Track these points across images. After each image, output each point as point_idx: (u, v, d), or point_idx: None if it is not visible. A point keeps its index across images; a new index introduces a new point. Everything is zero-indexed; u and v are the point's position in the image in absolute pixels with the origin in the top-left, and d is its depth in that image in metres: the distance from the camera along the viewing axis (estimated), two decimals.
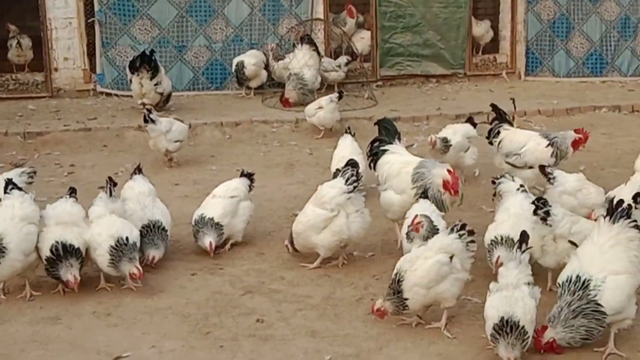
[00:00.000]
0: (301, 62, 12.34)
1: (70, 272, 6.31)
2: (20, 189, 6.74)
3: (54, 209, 6.68)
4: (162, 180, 9.20)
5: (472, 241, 5.88)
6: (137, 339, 5.84)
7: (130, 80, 11.89)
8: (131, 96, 12.41)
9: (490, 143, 8.65)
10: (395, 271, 5.86)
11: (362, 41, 14.03)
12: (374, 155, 7.60)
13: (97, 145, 11.01)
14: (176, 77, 12.86)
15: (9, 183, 6.74)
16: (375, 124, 8.04)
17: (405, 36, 13.73)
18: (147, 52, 11.80)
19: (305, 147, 10.99)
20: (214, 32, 13.22)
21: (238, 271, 7.03)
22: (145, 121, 9.76)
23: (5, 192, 6.70)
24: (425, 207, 6.64)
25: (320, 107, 11.10)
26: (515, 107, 9.88)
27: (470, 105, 12.31)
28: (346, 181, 6.88)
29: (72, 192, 6.89)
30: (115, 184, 6.99)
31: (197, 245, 7.38)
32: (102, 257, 6.46)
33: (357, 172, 6.94)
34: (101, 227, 6.57)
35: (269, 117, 11.87)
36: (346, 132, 9.11)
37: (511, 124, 8.75)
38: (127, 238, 6.46)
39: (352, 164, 7.11)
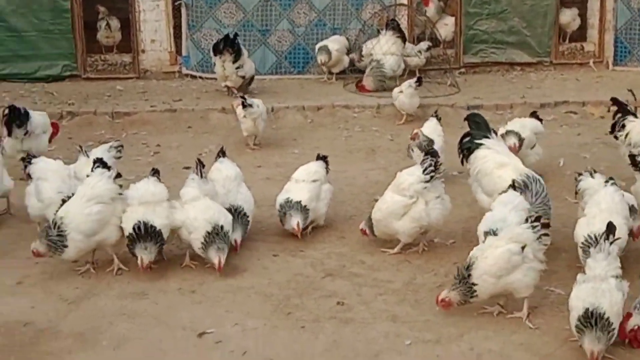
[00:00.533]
0: (384, 48, 12.31)
1: (143, 254, 6.44)
2: (107, 166, 6.84)
3: (137, 190, 6.81)
4: (244, 163, 9.30)
5: (546, 234, 5.81)
6: (220, 316, 5.96)
7: (214, 63, 12.06)
8: (215, 79, 12.58)
9: (615, 137, 8.42)
10: (467, 260, 5.86)
11: (445, 27, 13.90)
12: (467, 149, 7.39)
13: (182, 126, 11.22)
14: (259, 61, 12.97)
15: (96, 161, 6.89)
16: (464, 119, 7.90)
17: (490, 23, 13.53)
18: (231, 36, 11.95)
19: (386, 133, 10.98)
20: (297, 16, 13.29)
21: (319, 254, 7.09)
22: (244, 106, 9.89)
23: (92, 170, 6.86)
24: (511, 199, 6.52)
25: (401, 92, 11.10)
26: (635, 98, 9.69)
27: (555, 94, 12.11)
28: (424, 170, 6.86)
29: (155, 172, 6.99)
30: (203, 165, 7.10)
31: (279, 228, 7.48)
32: (196, 241, 6.59)
33: (436, 162, 6.90)
34: (197, 210, 6.67)
35: (350, 102, 11.89)
36: (433, 115, 9.10)
37: (635, 115, 8.54)
38: (222, 227, 6.57)
39: (432, 152, 7.07)
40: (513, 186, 6.62)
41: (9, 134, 8.98)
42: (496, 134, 7.43)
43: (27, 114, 9.04)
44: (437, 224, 7.03)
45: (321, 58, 12.47)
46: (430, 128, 8.84)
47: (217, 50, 11.87)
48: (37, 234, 6.83)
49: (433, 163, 6.87)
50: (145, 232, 6.43)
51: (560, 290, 6.18)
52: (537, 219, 5.83)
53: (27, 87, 12.65)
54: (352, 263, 6.90)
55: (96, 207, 6.55)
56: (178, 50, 13.46)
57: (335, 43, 12.83)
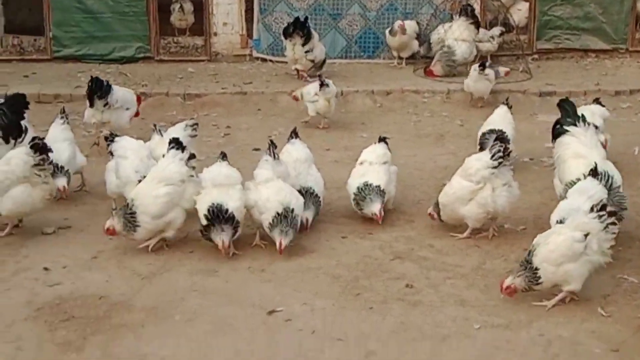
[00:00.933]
0: (456, 34, 12.20)
1: (219, 237, 6.50)
2: (182, 147, 6.86)
3: (210, 172, 6.85)
4: (313, 145, 9.30)
5: (614, 223, 5.69)
6: (289, 295, 6.02)
7: (285, 46, 12.12)
8: (285, 62, 12.67)
9: None
10: (531, 246, 5.81)
11: (519, 13, 13.73)
12: (556, 135, 7.27)
13: (252, 108, 11.34)
14: (329, 45, 13.04)
15: (172, 142, 6.94)
16: (557, 104, 7.74)
17: (565, 8, 13.32)
18: (302, 19, 11.99)
19: (456, 118, 10.91)
20: (368, 0, 13.26)
21: (388, 237, 7.10)
22: (322, 85, 10.03)
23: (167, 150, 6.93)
24: (588, 188, 6.40)
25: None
26: None
27: (631, 82, 11.89)
28: (492, 156, 6.79)
29: (224, 156, 6.99)
30: (275, 146, 7.15)
31: (347, 210, 7.53)
32: (265, 221, 6.66)
33: (505, 148, 6.82)
34: (270, 192, 6.73)
35: (420, 87, 11.85)
36: (504, 103, 8.96)
37: None
38: (292, 210, 6.61)
39: (500, 138, 6.98)
40: (593, 173, 6.47)
41: (91, 105, 9.27)
42: (585, 122, 7.21)
43: (109, 87, 9.35)
44: (503, 211, 6.96)
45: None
46: (500, 116, 8.73)
47: (288, 33, 11.96)
48: (111, 210, 6.99)
49: (502, 149, 6.80)
50: (219, 215, 6.48)
51: (633, 279, 6.09)
52: (603, 207, 5.71)
53: (102, 68, 12.93)
54: (420, 246, 6.89)
55: (164, 190, 6.64)
56: (249, 34, 13.58)
57: (408, 27, 12.75)
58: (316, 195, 7.15)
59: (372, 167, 7.43)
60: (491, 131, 8.33)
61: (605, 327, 5.53)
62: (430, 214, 7.14)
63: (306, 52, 12.00)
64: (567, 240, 5.65)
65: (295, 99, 10.48)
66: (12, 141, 8.16)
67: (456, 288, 6.09)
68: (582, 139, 7.09)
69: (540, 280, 5.69)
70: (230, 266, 6.50)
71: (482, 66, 10.94)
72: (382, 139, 7.69)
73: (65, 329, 5.56)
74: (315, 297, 5.98)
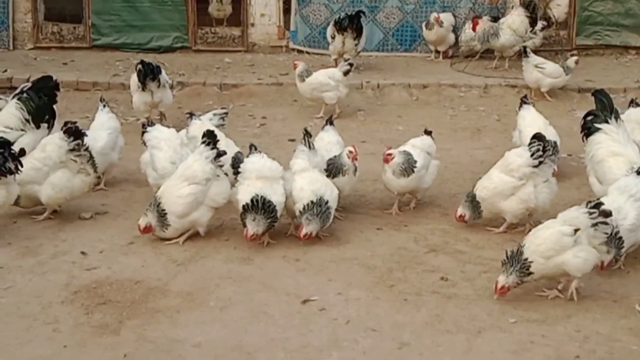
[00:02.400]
0: (509, 20, 12.10)
1: (252, 226, 6.48)
2: (213, 142, 6.74)
3: (254, 164, 6.78)
4: (349, 137, 9.30)
5: (605, 223, 5.61)
6: (323, 285, 6.02)
7: (333, 37, 12.05)
8: (321, 54, 12.70)
9: None
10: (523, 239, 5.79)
11: (558, 8, 13.57)
12: (587, 130, 7.18)
13: (288, 99, 11.35)
14: (367, 37, 12.95)
15: (205, 135, 6.83)
16: (592, 94, 7.65)
17: (606, 4, 13.17)
18: (355, 14, 11.95)
19: (493, 113, 10.84)
20: None
21: (422, 229, 7.07)
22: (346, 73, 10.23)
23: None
24: (629, 187, 6.29)
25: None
26: None
27: None
28: (532, 155, 6.73)
29: (255, 148, 6.91)
30: (310, 135, 7.14)
31: (383, 202, 7.58)
32: (297, 211, 6.64)
33: (545, 147, 6.75)
34: (304, 182, 6.72)
35: (457, 81, 11.79)
36: (524, 102, 8.61)
37: None
38: (326, 201, 6.59)
39: (539, 137, 6.90)
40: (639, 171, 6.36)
41: (143, 88, 9.52)
42: (618, 117, 7.11)
43: (159, 68, 9.65)
44: (543, 207, 6.90)
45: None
46: (534, 117, 8.52)
47: (342, 27, 11.88)
48: (148, 199, 7.00)
49: (540, 148, 6.74)
50: (261, 206, 6.45)
51: None
52: (597, 205, 5.64)
53: (140, 57, 12.93)
54: (456, 240, 6.85)
55: (187, 190, 6.60)
56: (286, 25, 13.59)
57: (445, 20, 12.70)
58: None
59: (414, 149, 7.39)
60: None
61: None
62: (460, 215, 7.00)
63: (355, 45, 12.01)
64: (555, 234, 5.64)
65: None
66: (46, 126, 8.23)
67: (492, 282, 5.99)
68: (615, 137, 7.01)
69: (531, 271, 5.64)
70: (265, 255, 6.52)
71: (525, 52, 10.98)
72: (427, 132, 7.65)
73: (101, 312, 5.61)
74: (349, 287, 5.98)
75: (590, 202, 5.72)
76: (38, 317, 5.54)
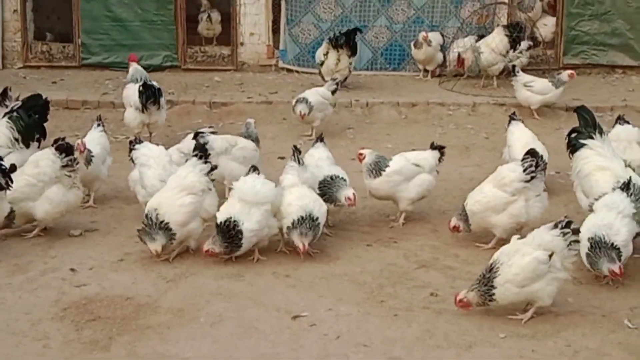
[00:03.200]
0: (488, 39, 12.21)
1: (209, 242, 6.52)
2: (205, 156, 6.85)
3: (242, 183, 6.71)
4: (339, 155, 9.31)
5: (577, 241, 5.64)
6: (314, 300, 6.03)
7: (325, 54, 12.09)
8: (311, 73, 12.72)
9: None
10: (490, 262, 5.71)
11: (545, 28, 13.72)
12: (572, 146, 7.25)
13: (277, 117, 11.38)
14: (357, 57, 13.02)
15: (196, 148, 6.98)
16: (574, 110, 7.73)
17: (593, 24, 13.30)
18: (351, 31, 12.05)
19: (481, 131, 10.91)
20: (395, 12, 13.33)
21: (412, 246, 7.10)
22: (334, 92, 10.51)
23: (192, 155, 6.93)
24: (616, 203, 6.36)
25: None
26: None
27: None
28: (524, 170, 6.78)
29: (254, 169, 6.88)
30: (300, 152, 7.18)
31: (372, 219, 7.64)
32: (285, 226, 6.64)
33: (537, 163, 6.81)
34: (292, 197, 6.74)
35: (445, 100, 11.86)
36: (513, 118, 8.68)
37: None
38: (316, 218, 6.59)
39: (532, 153, 6.96)
40: (625, 187, 6.43)
41: (143, 110, 9.57)
42: (602, 133, 7.19)
43: (160, 90, 9.74)
44: (534, 222, 6.93)
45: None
46: (524, 134, 8.59)
47: (339, 44, 11.94)
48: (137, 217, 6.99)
49: (534, 163, 6.79)
50: (226, 230, 6.45)
51: None
52: (568, 224, 5.62)
53: (125, 81, 12.96)
54: (445, 256, 6.88)
55: (188, 199, 6.64)
56: (276, 44, 13.65)
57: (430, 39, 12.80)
58: (342, 178, 7.18)
59: (399, 157, 7.56)
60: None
61: (632, 338, 5.49)
62: (455, 226, 7.05)
63: (350, 63, 12.08)
64: (532, 262, 5.57)
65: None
66: (37, 145, 8.22)
67: None
68: (600, 151, 7.07)
69: (494, 298, 5.60)
70: (256, 271, 6.52)
71: (513, 71, 11.12)
72: (435, 147, 7.70)
73: (91, 328, 5.60)
74: (340, 303, 5.98)
75: (559, 222, 5.66)
76: (28, 334, 5.53)
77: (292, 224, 6.58)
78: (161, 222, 6.49)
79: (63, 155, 7.02)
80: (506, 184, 6.85)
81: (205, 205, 6.74)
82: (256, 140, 8.55)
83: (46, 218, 7.09)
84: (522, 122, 8.78)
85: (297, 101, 10.30)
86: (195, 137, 7.83)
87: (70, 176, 7.08)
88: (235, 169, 7.76)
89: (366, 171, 7.41)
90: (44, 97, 8.60)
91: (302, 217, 6.56)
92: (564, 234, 5.60)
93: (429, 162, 7.58)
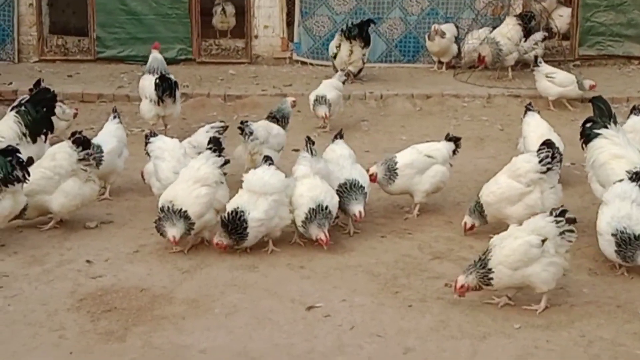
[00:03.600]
0: (503, 30, 12.14)
1: (217, 235, 6.58)
2: (219, 150, 6.87)
3: (252, 175, 6.76)
4: (353, 147, 9.22)
5: (571, 230, 5.64)
6: (328, 291, 6.04)
7: (338, 46, 12.08)
8: (325, 65, 12.72)
9: None
10: (488, 246, 5.76)
11: (560, 19, 13.62)
12: (587, 136, 7.24)
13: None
14: (370, 49, 13.00)
15: (210, 141, 6.99)
16: (589, 101, 7.70)
17: (609, 15, 13.21)
18: (364, 22, 12.03)
19: (496, 122, 10.88)
20: (410, 4, 13.29)
21: (427, 237, 7.10)
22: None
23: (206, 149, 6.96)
24: (628, 192, 6.34)
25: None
26: None
27: None
28: (540, 161, 6.76)
29: (267, 160, 6.91)
30: (313, 143, 7.18)
31: (386, 210, 7.67)
32: (298, 217, 6.69)
33: (553, 154, 6.79)
34: (304, 188, 6.76)
35: (460, 92, 11.83)
36: (529, 109, 8.65)
37: None
38: (326, 207, 6.62)
39: (549, 144, 6.94)
40: (634, 177, 6.41)
41: (159, 103, 9.60)
42: (617, 123, 7.17)
43: (176, 84, 9.77)
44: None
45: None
46: (540, 125, 8.54)
47: (351, 35, 11.91)
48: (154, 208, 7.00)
49: (550, 154, 6.77)
50: (231, 221, 6.49)
51: None
52: (562, 213, 5.65)
53: (144, 69, 13.03)
54: (460, 247, 6.87)
55: (204, 190, 6.67)
56: (290, 37, 13.65)
57: (445, 31, 12.75)
58: (361, 186, 7.07)
59: (411, 149, 7.62)
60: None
61: None
62: (470, 226, 6.97)
63: (363, 54, 12.06)
64: (523, 245, 5.61)
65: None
66: (43, 139, 8.16)
67: None
68: (615, 140, 7.05)
69: (491, 282, 5.61)
70: (270, 262, 6.55)
71: (535, 62, 11.11)
72: (450, 139, 7.69)
73: (107, 319, 5.64)
74: (354, 294, 6.00)
75: (555, 209, 5.72)
76: (44, 325, 5.57)
77: (307, 218, 6.60)
78: (180, 209, 6.49)
79: (80, 148, 7.06)
80: (521, 175, 6.82)
81: (218, 196, 6.77)
82: (285, 119, 8.64)
83: (62, 211, 7.13)
84: (538, 113, 8.74)
85: (316, 102, 10.17)
86: (240, 127, 7.99)
87: (86, 170, 7.11)
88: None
89: (384, 182, 7.42)
90: (51, 90, 8.58)
91: (314, 209, 6.58)
92: (558, 222, 5.62)
93: (442, 153, 7.57)
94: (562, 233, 5.64)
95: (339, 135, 7.72)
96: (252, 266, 6.47)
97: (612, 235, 6.10)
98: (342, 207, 6.95)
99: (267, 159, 6.93)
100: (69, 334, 5.45)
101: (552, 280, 5.68)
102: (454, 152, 7.66)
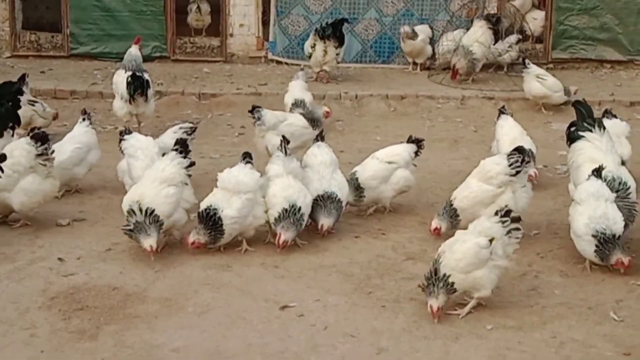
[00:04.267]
0: (473, 36, 12.21)
1: (192, 234, 6.56)
2: (185, 152, 6.80)
3: (226, 173, 6.75)
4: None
5: (517, 228, 5.70)
6: (302, 291, 6.04)
7: (313, 46, 12.09)
8: (300, 65, 12.71)
9: None
10: (436, 255, 5.77)
11: (534, 22, 13.74)
12: (571, 138, 7.24)
13: (267, 109, 11.30)
14: (345, 49, 13.01)
15: (177, 143, 6.93)
16: (572, 105, 7.75)
17: (582, 19, 13.32)
18: (339, 21, 12.03)
19: (470, 124, 10.94)
20: (385, 5, 13.33)
21: (400, 238, 7.12)
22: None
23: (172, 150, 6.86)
24: (600, 191, 6.43)
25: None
26: None
27: None
28: (510, 165, 6.81)
29: (245, 158, 6.88)
30: (288, 142, 7.17)
31: (361, 210, 7.57)
32: (271, 217, 6.67)
33: (524, 159, 6.82)
34: (277, 188, 6.75)
35: (434, 93, 11.88)
36: (502, 112, 8.68)
37: None
38: (299, 208, 6.62)
39: (519, 149, 6.98)
40: (597, 173, 6.52)
41: (131, 102, 9.52)
42: (602, 126, 7.17)
43: (148, 82, 9.67)
44: (523, 212, 6.94)
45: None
46: (514, 129, 8.59)
47: (325, 35, 11.91)
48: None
49: (520, 159, 6.81)
50: (205, 218, 6.49)
51: None
52: (507, 212, 5.71)
53: (118, 66, 12.91)
54: (433, 248, 6.81)
55: (172, 190, 6.59)
56: (265, 36, 13.62)
57: (420, 32, 12.80)
58: (339, 200, 7.01)
59: (372, 160, 7.60)
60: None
61: (617, 330, 5.53)
62: (436, 228, 6.98)
63: (337, 54, 12.07)
64: (473, 247, 5.63)
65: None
66: (10, 134, 8.03)
67: None
68: (597, 144, 7.05)
69: (454, 288, 5.59)
70: (244, 262, 6.53)
71: (523, 63, 11.18)
72: (412, 140, 7.68)
73: (79, 317, 5.60)
74: (327, 294, 6.00)
75: (499, 210, 5.78)
76: (15, 323, 5.52)
77: (278, 217, 6.61)
78: (150, 213, 6.40)
79: (38, 144, 6.94)
80: (492, 177, 6.86)
81: (185, 196, 6.73)
82: (315, 120, 8.83)
83: (22, 209, 7.04)
84: (512, 116, 8.80)
85: (294, 105, 9.98)
86: (251, 111, 8.31)
87: (45, 165, 6.99)
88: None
89: (353, 203, 7.49)
90: (16, 83, 8.44)
91: (286, 210, 6.59)
92: (503, 222, 5.67)
93: (403, 157, 7.57)
94: (508, 232, 5.69)
95: (320, 137, 7.60)
96: (225, 265, 6.45)
97: (593, 236, 6.17)
98: (312, 216, 6.91)
99: (245, 157, 6.91)
100: (40, 333, 5.41)
101: (495, 283, 5.71)
102: (416, 153, 7.64)
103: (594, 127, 7.12)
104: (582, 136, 7.12)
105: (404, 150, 7.63)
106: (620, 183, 6.65)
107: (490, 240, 5.64)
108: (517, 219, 5.76)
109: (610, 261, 6.20)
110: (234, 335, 5.40)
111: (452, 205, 6.99)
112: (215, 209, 6.50)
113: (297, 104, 10.02)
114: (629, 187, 6.67)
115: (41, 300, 5.82)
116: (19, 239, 6.90)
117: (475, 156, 9.18)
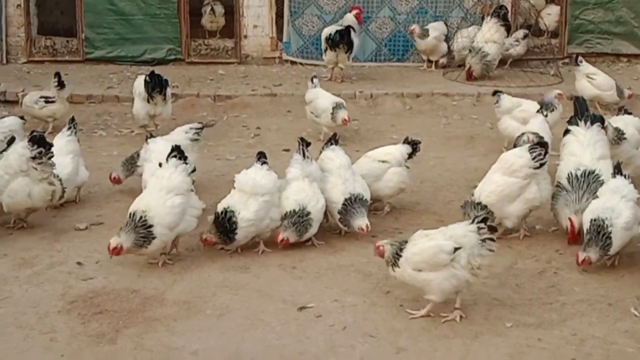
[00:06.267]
0: (486, 35, 12.17)
1: (207, 232, 6.60)
2: (183, 157, 6.66)
3: (243, 175, 6.72)
4: (343, 147, 9.35)
5: (492, 239, 5.42)
6: (320, 292, 6.03)
7: (325, 51, 12.10)
8: (315, 65, 12.72)
9: None
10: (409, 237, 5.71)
11: (548, 17, 13.67)
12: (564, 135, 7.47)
13: (282, 110, 11.37)
14: (359, 48, 12.99)
15: (173, 150, 6.73)
16: (572, 100, 7.83)
17: (597, 13, 13.25)
18: (344, 29, 11.96)
19: (486, 121, 10.86)
20: (399, 3, 13.30)
21: None
22: None
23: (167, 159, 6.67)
24: (620, 187, 6.41)
25: None
26: None
27: None
28: (533, 158, 6.77)
29: (260, 158, 6.87)
30: (308, 144, 7.14)
31: (378, 210, 7.59)
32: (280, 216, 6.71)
33: (546, 152, 6.81)
34: (291, 191, 6.76)
35: (450, 90, 11.84)
36: (540, 111, 8.85)
37: None
38: (308, 212, 6.63)
39: (542, 143, 6.98)
40: (618, 171, 6.63)
41: (149, 100, 9.57)
42: (589, 121, 7.29)
43: (167, 81, 9.73)
44: (546, 203, 6.98)
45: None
46: (536, 125, 8.58)
47: (334, 43, 11.89)
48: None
49: (543, 152, 6.79)
50: (220, 221, 6.51)
51: None
52: (484, 220, 5.48)
53: (133, 70, 13.02)
54: None
55: (178, 199, 6.46)
56: (279, 36, 13.63)
57: (433, 30, 12.78)
58: (365, 200, 6.98)
59: (363, 159, 7.63)
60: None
61: (638, 326, 5.48)
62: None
63: (348, 57, 12.08)
64: (433, 248, 5.48)
65: None
66: None
67: (488, 287, 6.05)
68: (581, 138, 7.20)
69: (395, 275, 5.61)
70: (262, 263, 6.53)
71: (576, 61, 11.00)
72: (408, 142, 7.60)
73: (98, 321, 5.62)
74: (346, 294, 5.99)
75: (476, 217, 5.56)
76: (35, 327, 5.54)
77: (284, 216, 6.66)
78: (148, 225, 6.25)
79: (34, 147, 6.87)
80: (516, 170, 6.81)
81: (192, 203, 6.63)
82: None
83: (10, 211, 7.03)
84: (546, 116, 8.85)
85: (336, 108, 9.70)
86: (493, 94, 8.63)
87: (37, 169, 6.90)
88: None
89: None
90: None
91: (294, 211, 6.60)
92: (479, 229, 5.43)
93: (395, 157, 7.51)
94: (483, 241, 5.43)
95: (334, 141, 7.49)
96: (243, 267, 6.46)
97: (591, 221, 6.24)
98: (345, 222, 6.88)
99: (260, 157, 6.90)
100: (60, 337, 5.42)
101: (448, 294, 5.54)
102: (410, 155, 7.54)
103: (580, 121, 7.29)
104: (570, 130, 7.32)
105: (396, 150, 7.59)
106: (593, 176, 6.79)
107: (456, 249, 5.45)
108: (494, 229, 5.50)
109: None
110: (252, 337, 5.40)
111: (480, 202, 6.80)
112: (232, 212, 6.50)
113: (340, 106, 9.75)
114: (602, 182, 6.73)
115: (60, 305, 5.85)
116: (38, 243, 6.94)
117: (492, 153, 9.16)
